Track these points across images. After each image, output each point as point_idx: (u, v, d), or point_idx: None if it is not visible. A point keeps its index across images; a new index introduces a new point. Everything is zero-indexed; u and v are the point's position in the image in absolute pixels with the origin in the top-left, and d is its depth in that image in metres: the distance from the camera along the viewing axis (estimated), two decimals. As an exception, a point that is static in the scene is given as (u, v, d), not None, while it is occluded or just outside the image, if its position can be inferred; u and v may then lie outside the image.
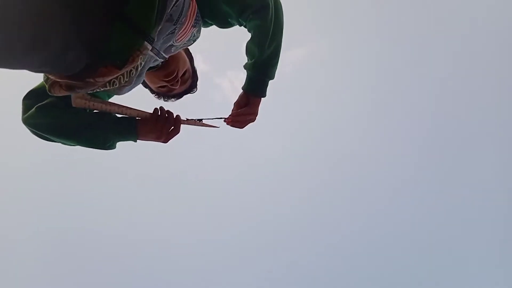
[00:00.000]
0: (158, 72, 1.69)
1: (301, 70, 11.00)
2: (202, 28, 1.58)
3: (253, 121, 1.71)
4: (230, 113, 1.70)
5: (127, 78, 1.15)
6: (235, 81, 11.27)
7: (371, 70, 10.60)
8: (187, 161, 10.68)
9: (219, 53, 10.53)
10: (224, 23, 1.59)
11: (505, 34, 9.79)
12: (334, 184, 10.95)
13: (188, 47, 1.78)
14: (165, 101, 1.89)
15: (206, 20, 1.55)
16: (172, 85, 1.74)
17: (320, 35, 10.84)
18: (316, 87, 10.87)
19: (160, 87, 1.78)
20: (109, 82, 1.11)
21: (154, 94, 1.87)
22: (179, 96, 1.89)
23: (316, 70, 10.96)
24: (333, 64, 10.88)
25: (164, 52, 1.39)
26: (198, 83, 1.90)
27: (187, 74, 1.81)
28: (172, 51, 1.46)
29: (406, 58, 10.64)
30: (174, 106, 1.85)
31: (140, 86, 1.68)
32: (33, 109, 1.34)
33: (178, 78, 1.74)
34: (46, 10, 0.91)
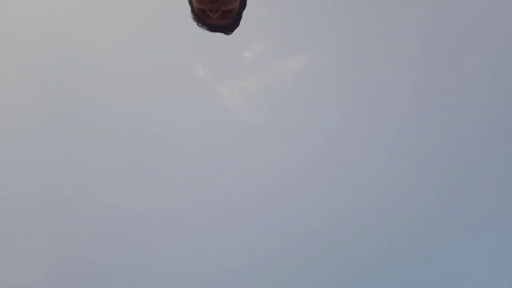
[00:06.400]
0: None
1: (301, 79, 11.05)
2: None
3: None
4: None
5: None
6: (234, 89, 11.39)
7: (374, 76, 10.65)
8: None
9: (219, 61, 10.67)
10: None
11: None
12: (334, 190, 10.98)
13: None
14: (198, 25, 1.93)
15: None
16: (210, 11, 1.79)
17: (323, 43, 10.88)
18: (318, 96, 10.92)
19: (200, 9, 1.83)
20: None
21: (192, 14, 1.92)
22: (212, 28, 1.92)
23: (318, 79, 10.98)
24: (336, 72, 10.90)
25: None
26: (236, 30, 1.95)
27: (230, 13, 1.85)
28: None
29: (409, 64, 10.68)
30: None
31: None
32: None
33: (219, 8, 1.78)
34: None
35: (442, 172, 10.60)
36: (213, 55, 10.17)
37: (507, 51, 9.92)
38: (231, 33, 1.95)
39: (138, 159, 10.78)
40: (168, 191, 10.75)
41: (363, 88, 10.83)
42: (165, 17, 9.38)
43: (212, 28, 1.90)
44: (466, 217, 10.40)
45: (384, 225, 10.56)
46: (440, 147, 10.70)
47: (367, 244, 10.60)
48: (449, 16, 10.11)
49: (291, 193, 10.94)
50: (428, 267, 10.33)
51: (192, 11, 1.89)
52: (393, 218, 10.56)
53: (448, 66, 10.47)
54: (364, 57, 10.61)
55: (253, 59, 10.92)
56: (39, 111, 10.28)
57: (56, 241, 10.24)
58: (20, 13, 9.69)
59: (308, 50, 11.20)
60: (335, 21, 10.30)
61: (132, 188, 10.67)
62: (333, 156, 10.96)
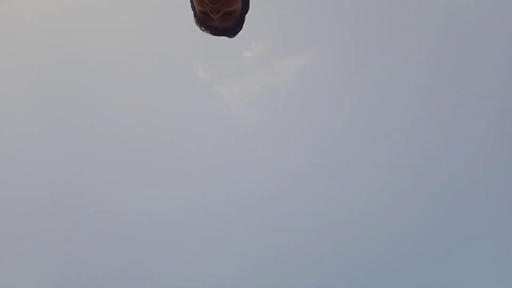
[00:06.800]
0: None
1: (301, 79, 11.05)
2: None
3: None
4: None
5: None
6: (235, 89, 11.40)
7: (374, 76, 10.63)
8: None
9: (219, 62, 10.68)
10: None
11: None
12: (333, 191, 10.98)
13: None
14: (201, 29, 1.89)
15: None
16: (211, 12, 1.75)
17: (323, 43, 10.86)
18: (318, 96, 10.91)
19: (202, 12, 1.80)
20: None
21: (195, 18, 1.89)
22: (215, 31, 1.89)
23: (318, 79, 10.96)
24: (336, 73, 10.87)
25: None
26: (239, 33, 1.91)
27: (232, 15, 1.81)
28: None
29: (411, 64, 10.65)
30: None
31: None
32: None
33: (220, 9, 1.74)
34: None
35: (443, 175, 10.60)
36: (213, 55, 10.20)
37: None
38: (234, 36, 1.91)
39: (138, 159, 10.79)
40: (167, 191, 10.76)
41: (363, 88, 10.83)
42: (166, 17, 9.41)
43: (215, 31, 1.87)
44: (474, 221, 10.39)
45: (383, 226, 10.57)
46: (439, 148, 10.71)
47: (367, 247, 10.61)
48: (454, 16, 10.11)
49: (290, 193, 10.95)
50: (431, 269, 10.34)
51: (195, 15, 1.86)
52: (392, 218, 10.57)
53: (452, 67, 10.47)
54: (364, 57, 10.62)
55: (253, 59, 10.94)
56: (40, 110, 10.30)
57: (58, 247, 10.28)
58: (20, 14, 9.71)
59: (308, 50, 11.23)
60: (335, 21, 10.32)
61: (131, 188, 10.68)
62: (334, 156, 10.97)
